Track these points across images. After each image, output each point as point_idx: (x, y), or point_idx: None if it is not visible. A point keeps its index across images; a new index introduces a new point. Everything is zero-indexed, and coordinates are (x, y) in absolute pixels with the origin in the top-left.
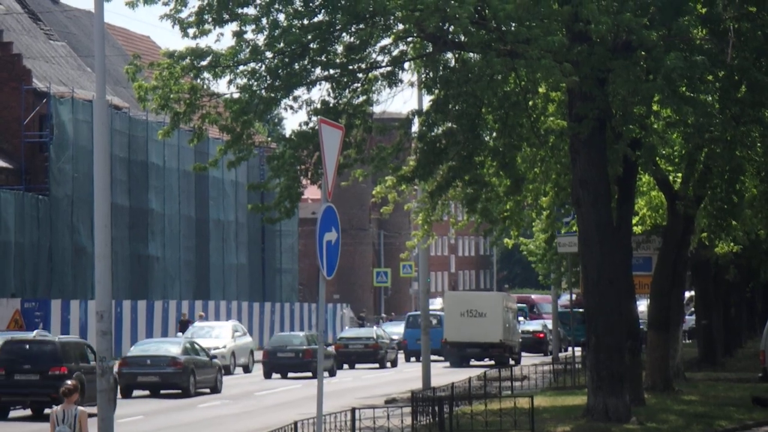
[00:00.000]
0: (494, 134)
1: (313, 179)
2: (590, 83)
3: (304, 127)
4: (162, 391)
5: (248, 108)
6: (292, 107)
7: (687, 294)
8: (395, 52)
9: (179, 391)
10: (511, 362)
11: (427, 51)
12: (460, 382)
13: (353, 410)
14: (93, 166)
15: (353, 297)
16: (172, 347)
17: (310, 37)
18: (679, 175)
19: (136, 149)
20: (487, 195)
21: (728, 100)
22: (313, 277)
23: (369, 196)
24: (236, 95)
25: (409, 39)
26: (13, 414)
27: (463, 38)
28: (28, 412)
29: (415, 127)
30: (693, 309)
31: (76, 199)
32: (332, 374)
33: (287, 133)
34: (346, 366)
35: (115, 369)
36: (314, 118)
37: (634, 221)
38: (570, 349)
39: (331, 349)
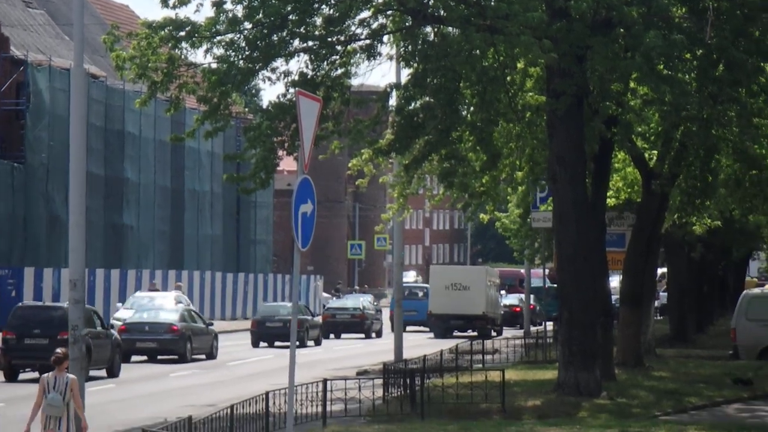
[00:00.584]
0: (472, 109)
1: (290, 151)
2: (569, 60)
3: (281, 99)
4: (159, 357)
5: (226, 79)
6: (270, 79)
7: (659, 271)
8: (374, 25)
9: (176, 356)
10: (493, 333)
11: (407, 24)
12: (432, 354)
13: (325, 381)
14: (69, 134)
15: (327, 269)
16: (169, 314)
17: (289, 8)
18: (655, 152)
19: (112, 118)
20: (464, 170)
21: (706, 78)
22: (288, 249)
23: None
24: (214, 66)
25: (389, 12)
26: (22, 376)
27: (442, 12)
28: (36, 374)
29: (392, 101)
30: (666, 286)
31: (52, 168)
32: (318, 343)
33: (264, 104)
34: (332, 336)
35: (115, 335)
36: (292, 90)
37: (608, 194)
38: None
39: (319, 319)
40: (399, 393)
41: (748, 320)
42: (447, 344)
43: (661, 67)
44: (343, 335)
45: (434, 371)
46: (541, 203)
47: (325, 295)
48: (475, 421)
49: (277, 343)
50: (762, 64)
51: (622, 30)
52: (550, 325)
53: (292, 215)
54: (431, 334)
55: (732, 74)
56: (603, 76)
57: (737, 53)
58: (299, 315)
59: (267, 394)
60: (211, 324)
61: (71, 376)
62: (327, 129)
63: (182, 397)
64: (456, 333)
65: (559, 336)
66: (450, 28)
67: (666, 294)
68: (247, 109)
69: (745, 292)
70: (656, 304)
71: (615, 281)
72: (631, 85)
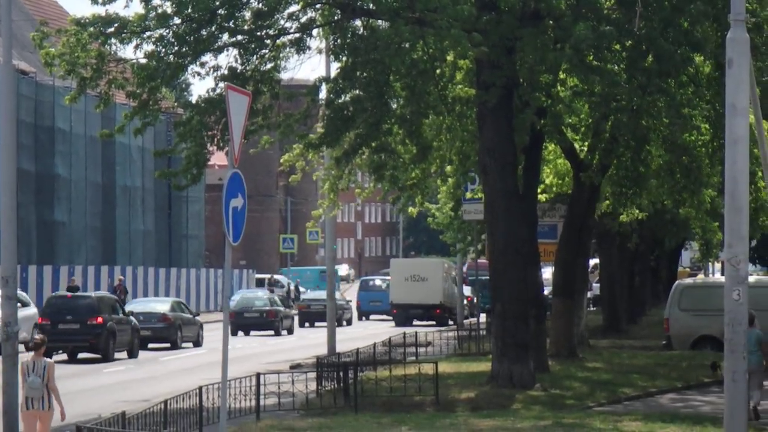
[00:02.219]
0: (401, 102)
1: (220, 145)
2: (498, 52)
3: (211, 93)
4: (150, 345)
5: (155, 74)
6: (199, 73)
7: (591, 262)
8: (303, 19)
9: (168, 344)
10: (450, 322)
11: (336, 18)
12: (365, 347)
13: (258, 375)
14: None
15: (259, 263)
16: (160, 305)
17: (218, 3)
18: (586, 144)
19: (42, 114)
20: (394, 162)
21: (635, 69)
22: (220, 243)
23: (276, 163)
24: (143, 61)
25: (318, 6)
26: (55, 357)
27: (371, 5)
28: (64, 356)
29: (322, 94)
30: (598, 277)
31: None
32: (290, 332)
33: (194, 99)
34: (307, 324)
35: (134, 321)
36: (221, 85)
37: (539, 189)
38: (476, 315)
39: (293, 311)
40: (332, 386)
41: (681, 310)
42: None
43: (591, 58)
44: (317, 323)
45: (367, 364)
46: (471, 192)
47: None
48: (408, 413)
49: (252, 332)
50: (690, 54)
51: (551, 22)
52: (483, 317)
53: (223, 210)
54: (393, 323)
55: (660, 65)
56: (532, 67)
57: (665, 44)
58: (275, 306)
59: (200, 388)
60: (197, 314)
61: (48, 359)
62: (257, 123)
63: (118, 392)
64: (416, 322)
65: (492, 328)
66: (379, 21)
67: (598, 285)
68: (176, 104)
69: (677, 282)
70: (589, 295)
71: (548, 273)
72: (561, 76)
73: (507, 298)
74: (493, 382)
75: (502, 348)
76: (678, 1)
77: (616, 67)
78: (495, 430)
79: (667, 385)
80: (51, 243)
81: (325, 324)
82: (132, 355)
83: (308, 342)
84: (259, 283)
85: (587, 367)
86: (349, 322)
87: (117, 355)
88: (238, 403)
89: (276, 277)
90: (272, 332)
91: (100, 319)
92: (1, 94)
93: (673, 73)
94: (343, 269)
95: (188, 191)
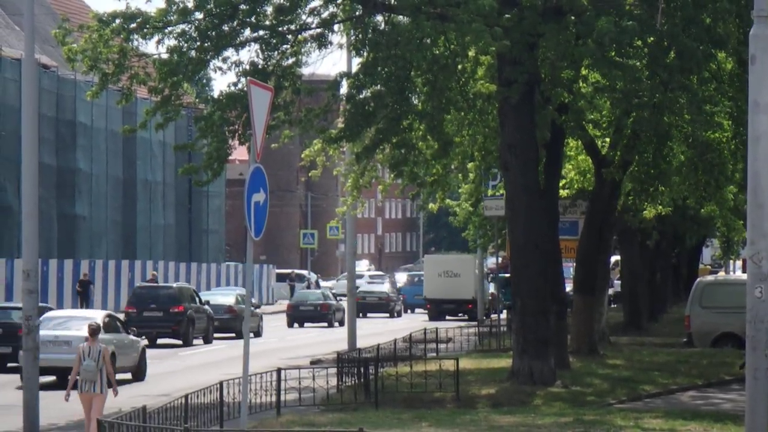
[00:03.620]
0: (422, 97)
1: (242, 140)
2: (520, 48)
3: (232, 89)
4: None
5: (177, 69)
6: (221, 68)
7: (613, 259)
8: (325, 14)
9: (233, 334)
10: (482, 317)
11: (357, 13)
12: (386, 343)
13: (279, 370)
14: (20, 124)
15: (280, 258)
16: (224, 297)
17: None
18: (607, 140)
19: (64, 108)
20: (415, 158)
21: (657, 65)
22: (240, 238)
23: (297, 158)
24: (165, 56)
25: (339, 1)
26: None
27: (393, 0)
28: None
29: (343, 90)
30: (619, 274)
31: (3, 158)
32: (341, 324)
33: (216, 94)
34: (360, 315)
35: (209, 310)
36: (243, 80)
37: (561, 185)
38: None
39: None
40: (353, 382)
41: (702, 308)
42: (441, 325)
43: (613, 53)
44: (369, 315)
45: (388, 360)
46: (492, 189)
47: (279, 284)
48: (429, 409)
49: (306, 324)
50: (713, 51)
51: (573, 17)
52: (504, 314)
53: (245, 204)
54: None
55: (682, 61)
56: (554, 63)
57: (687, 41)
58: (328, 300)
59: (221, 383)
60: (258, 307)
61: (104, 345)
62: (278, 118)
63: (140, 386)
64: (448, 317)
65: (513, 324)
66: (400, 17)
67: (619, 282)
68: (197, 100)
69: (698, 279)
70: (610, 291)
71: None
72: (583, 72)
73: (527, 295)
74: (513, 378)
75: (522, 344)
76: None
77: (638, 63)
78: (515, 427)
79: (687, 382)
80: (72, 237)
81: (377, 315)
82: (207, 341)
83: (361, 332)
84: (280, 278)
85: (608, 364)
86: (399, 314)
87: (196, 341)
88: (258, 398)
89: (297, 272)
90: (326, 324)
91: (180, 308)
92: (23, 88)
93: (695, 69)
94: (364, 265)
95: (209, 186)
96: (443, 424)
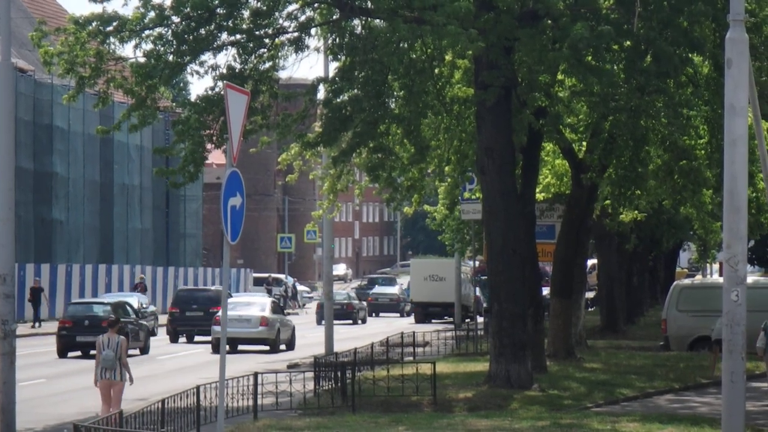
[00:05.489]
0: (399, 101)
1: (218, 144)
2: (496, 52)
3: (209, 92)
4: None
5: (154, 72)
6: (198, 72)
7: (590, 262)
8: (302, 18)
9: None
10: (467, 319)
11: (334, 17)
12: (362, 347)
13: (256, 374)
14: None
15: (257, 262)
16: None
17: (216, 1)
18: (584, 144)
19: (40, 112)
20: (392, 163)
21: (633, 69)
22: (218, 242)
23: (274, 162)
24: (142, 60)
25: (316, 5)
26: (181, 339)
27: (369, 4)
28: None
29: (320, 94)
30: (596, 278)
31: None
32: (364, 322)
33: (193, 97)
34: (373, 314)
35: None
36: (220, 84)
37: (538, 189)
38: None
39: (364, 302)
40: (330, 386)
41: (679, 311)
42: (429, 327)
43: (589, 58)
44: (381, 314)
45: (365, 364)
46: (468, 192)
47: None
48: (406, 413)
49: (335, 321)
50: (689, 54)
51: (549, 21)
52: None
53: (222, 208)
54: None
55: (658, 65)
56: (531, 67)
57: (664, 45)
58: (352, 300)
59: (198, 387)
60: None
61: (122, 337)
62: (255, 122)
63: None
64: (434, 320)
65: (490, 328)
66: (377, 21)
67: (597, 285)
68: (174, 103)
69: (675, 282)
70: (587, 295)
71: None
72: (559, 76)
73: (504, 298)
74: (490, 382)
75: (499, 348)
76: (677, 1)
77: (615, 68)
78: (492, 431)
79: (664, 385)
80: (49, 241)
81: (388, 314)
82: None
83: (372, 330)
84: (257, 282)
85: (585, 368)
86: (409, 314)
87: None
88: (235, 402)
89: (274, 276)
90: (350, 321)
91: (219, 308)
92: None
93: (671, 73)
94: (341, 269)
95: (186, 190)
96: (420, 427)
